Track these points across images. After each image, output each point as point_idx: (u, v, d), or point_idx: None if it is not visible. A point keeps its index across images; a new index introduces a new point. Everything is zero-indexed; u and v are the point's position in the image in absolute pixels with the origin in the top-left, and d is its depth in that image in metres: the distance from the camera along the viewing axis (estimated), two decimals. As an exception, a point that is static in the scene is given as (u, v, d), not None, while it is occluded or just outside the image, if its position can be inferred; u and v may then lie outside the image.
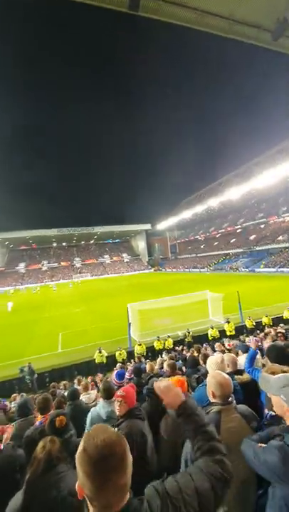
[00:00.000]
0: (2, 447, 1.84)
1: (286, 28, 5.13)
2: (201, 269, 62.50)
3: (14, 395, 7.01)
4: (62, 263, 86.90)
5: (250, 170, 43.14)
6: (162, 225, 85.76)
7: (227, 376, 1.68)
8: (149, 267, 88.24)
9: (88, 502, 0.73)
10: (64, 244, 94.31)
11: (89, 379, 7.24)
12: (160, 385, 1.17)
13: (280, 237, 51.29)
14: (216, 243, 74.78)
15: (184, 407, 1.07)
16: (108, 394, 2.73)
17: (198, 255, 77.33)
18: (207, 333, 11.82)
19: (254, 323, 12.27)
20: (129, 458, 0.75)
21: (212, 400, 1.65)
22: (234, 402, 1.64)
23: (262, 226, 61.93)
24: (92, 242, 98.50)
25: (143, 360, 8.28)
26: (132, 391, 2.08)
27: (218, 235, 76.98)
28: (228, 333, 11.77)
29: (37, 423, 2.46)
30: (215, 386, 1.62)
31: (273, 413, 1.55)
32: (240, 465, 1.32)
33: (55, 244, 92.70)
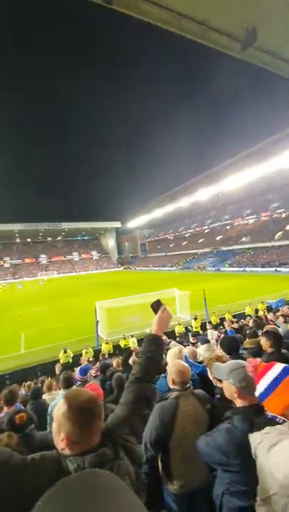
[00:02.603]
0: None
1: (254, 38, 5.45)
2: (170, 268, 63.84)
3: None
4: (27, 260, 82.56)
5: (219, 173, 45.34)
6: (132, 224, 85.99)
7: (186, 364, 1.77)
8: (119, 265, 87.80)
9: (70, 447, 0.85)
10: (29, 240, 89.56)
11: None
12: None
13: (244, 239, 54.50)
14: (184, 243, 76.85)
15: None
16: (68, 383, 2.76)
17: (168, 254, 78.77)
18: (174, 330, 12.14)
19: (218, 320, 12.89)
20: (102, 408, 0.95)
21: (172, 386, 1.73)
22: (191, 387, 1.74)
23: (228, 227, 65.28)
24: (59, 238, 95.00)
25: (107, 357, 8.24)
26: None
27: (187, 235, 79.36)
28: (194, 330, 12.18)
29: (3, 413, 2.50)
30: (175, 373, 1.70)
31: (219, 396, 1.69)
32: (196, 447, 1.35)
33: (18, 240, 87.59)
